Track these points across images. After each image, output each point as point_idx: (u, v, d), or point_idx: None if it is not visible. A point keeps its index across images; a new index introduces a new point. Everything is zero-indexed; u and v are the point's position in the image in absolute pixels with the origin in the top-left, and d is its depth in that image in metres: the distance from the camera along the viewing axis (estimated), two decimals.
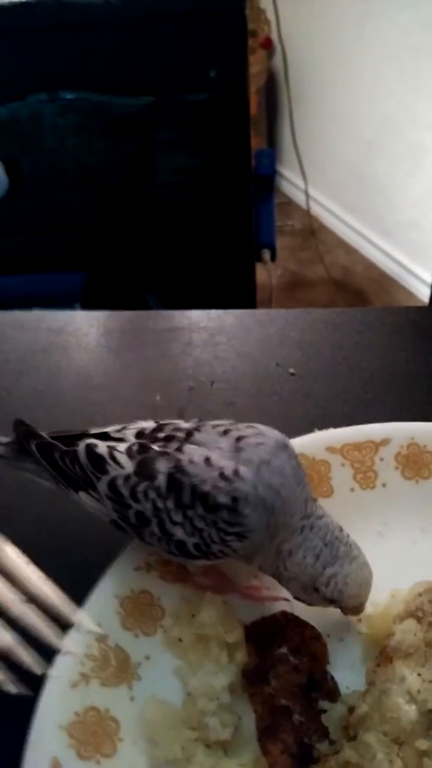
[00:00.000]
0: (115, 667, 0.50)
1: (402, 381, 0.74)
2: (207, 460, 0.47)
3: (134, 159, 1.14)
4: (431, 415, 0.63)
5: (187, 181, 1.18)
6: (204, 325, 0.85)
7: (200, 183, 1.19)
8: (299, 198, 2.95)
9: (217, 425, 0.50)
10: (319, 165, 2.85)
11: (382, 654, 0.47)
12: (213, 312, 0.87)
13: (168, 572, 0.55)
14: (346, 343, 0.80)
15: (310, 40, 2.57)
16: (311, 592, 0.49)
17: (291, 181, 2.95)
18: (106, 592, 0.53)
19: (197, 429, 0.50)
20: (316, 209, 2.93)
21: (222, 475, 0.46)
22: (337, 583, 0.48)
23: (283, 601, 0.55)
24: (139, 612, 0.53)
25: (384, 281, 2.60)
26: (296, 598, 0.51)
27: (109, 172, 1.16)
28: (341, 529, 0.50)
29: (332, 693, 0.48)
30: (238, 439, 0.48)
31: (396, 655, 0.46)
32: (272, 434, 0.50)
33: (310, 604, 0.51)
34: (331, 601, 0.49)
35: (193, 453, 0.47)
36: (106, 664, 0.50)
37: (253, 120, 2.78)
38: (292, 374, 0.77)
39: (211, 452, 0.47)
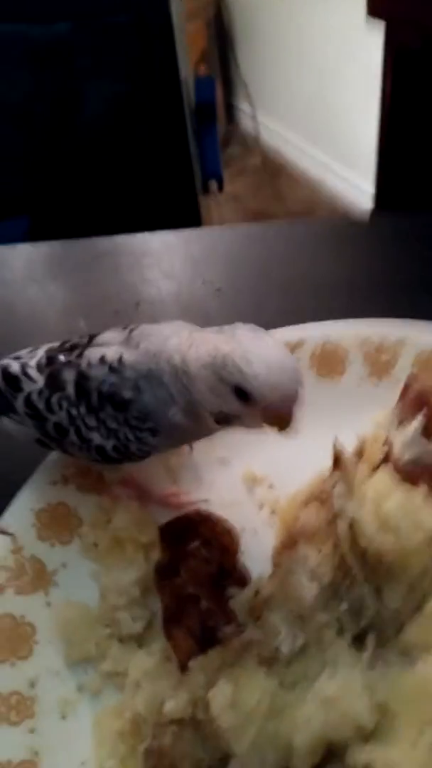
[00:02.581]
0: (31, 575, 0.51)
1: (323, 289, 0.74)
2: (102, 358, 0.46)
3: (58, 89, 1.11)
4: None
5: (116, 110, 1.14)
6: (130, 249, 0.84)
7: (130, 111, 1.15)
8: (261, 132, 2.89)
9: (127, 325, 0.50)
10: (277, 97, 2.78)
11: (289, 538, 0.48)
12: (139, 235, 0.85)
13: (86, 484, 0.56)
14: (272, 256, 0.79)
15: None
16: (218, 387, 0.41)
17: (248, 114, 2.88)
18: (21, 506, 0.53)
19: (99, 333, 0.50)
20: (278, 144, 2.87)
21: (111, 368, 0.45)
22: (234, 363, 0.40)
23: (202, 502, 0.55)
24: (55, 523, 0.53)
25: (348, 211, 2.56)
26: (217, 419, 0.43)
27: (34, 105, 1.12)
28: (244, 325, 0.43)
29: (242, 580, 0.49)
30: (133, 329, 0.48)
31: (300, 538, 0.47)
32: (171, 322, 0.49)
33: (232, 419, 0.43)
34: (240, 393, 0.40)
35: (91, 355, 0.47)
36: (21, 574, 0.51)
37: (204, 53, 2.71)
38: (218, 290, 0.76)
39: (107, 349, 0.47)
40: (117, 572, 0.49)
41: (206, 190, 1.48)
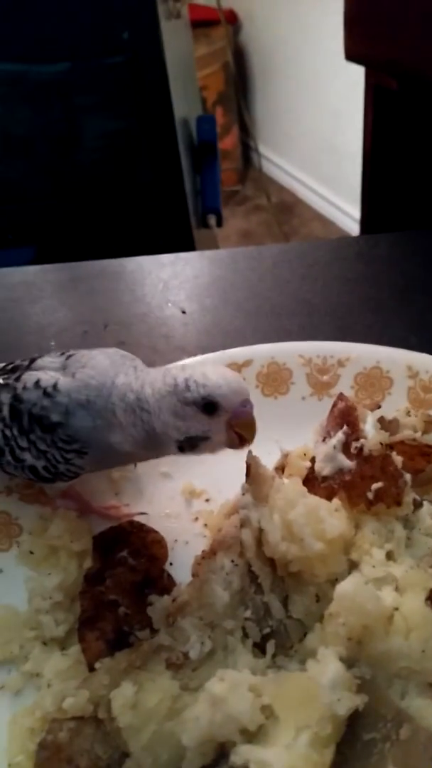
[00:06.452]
0: None
1: (282, 311, 0.76)
2: (37, 382, 0.49)
3: (58, 125, 1.17)
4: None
5: (113, 145, 1.20)
6: (104, 273, 0.87)
7: (127, 147, 1.21)
8: (274, 172, 2.96)
9: (65, 351, 0.52)
10: (291, 138, 2.85)
11: (210, 548, 0.49)
12: (115, 261, 0.89)
13: (29, 494, 0.58)
14: (237, 280, 0.82)
15: (271, 11, 2.56)
16: (184, 410, 0.45)
17: (263, 154, 2.95)
18: None
19: (41, 356, 0.53)
20: (291, 183, 2.93)
21: (45, 393, 0.48)
22: (196, 381, 0.44)
23: (141, 515, 0.57)
24: None
25: None
26: (182, 446, 0.46)
27: (36, 140, 1.18)
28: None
29: (166, 589, 0.50)
30: (69, 356, 0.50)
31: (219, 547, 0.48)
32: (107, 349, 0.51)
33: (198, 442, 0.46)
34: (209, 407, 0.44)
35: (27, 379, 0.49)
36: None
37: (221, 95, 2.79)
38: (183, 312, 0.79)
39: (43, 374, 0.49)
40: (43, 577, 0.51)
41: (205, 224, 1.52)
